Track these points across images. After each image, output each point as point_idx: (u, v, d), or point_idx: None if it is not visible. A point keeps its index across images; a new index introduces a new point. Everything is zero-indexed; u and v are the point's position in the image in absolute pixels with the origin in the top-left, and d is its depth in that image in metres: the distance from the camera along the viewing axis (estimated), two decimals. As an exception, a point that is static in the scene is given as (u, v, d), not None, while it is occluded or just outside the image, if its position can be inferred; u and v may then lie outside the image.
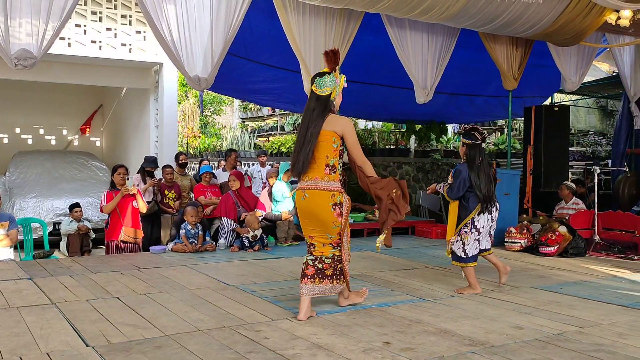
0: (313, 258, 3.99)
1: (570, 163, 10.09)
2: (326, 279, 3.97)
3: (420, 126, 12.05)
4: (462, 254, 4.86)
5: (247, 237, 6.99)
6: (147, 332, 3.58)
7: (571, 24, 7.18)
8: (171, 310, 4.13)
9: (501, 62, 8.27)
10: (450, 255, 5.02)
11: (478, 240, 4.88)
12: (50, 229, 8.95)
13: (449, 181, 4.97)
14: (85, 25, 10.03)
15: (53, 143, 15.39)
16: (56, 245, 8.15)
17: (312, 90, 3.99)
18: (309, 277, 3.94)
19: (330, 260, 3.98)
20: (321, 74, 4.00)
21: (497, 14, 6.79)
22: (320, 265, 3.98)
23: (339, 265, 4.02)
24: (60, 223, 8.51)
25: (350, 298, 4.28)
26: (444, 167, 12.07)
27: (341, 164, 3.98)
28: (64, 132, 15.74)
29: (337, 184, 3.91)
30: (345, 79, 4.05)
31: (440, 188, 5.05)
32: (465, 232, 4.86)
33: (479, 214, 4.83)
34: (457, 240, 4.89)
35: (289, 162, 8.32)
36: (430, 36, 7.88)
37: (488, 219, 4.88)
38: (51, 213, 9.70)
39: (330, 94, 3.95)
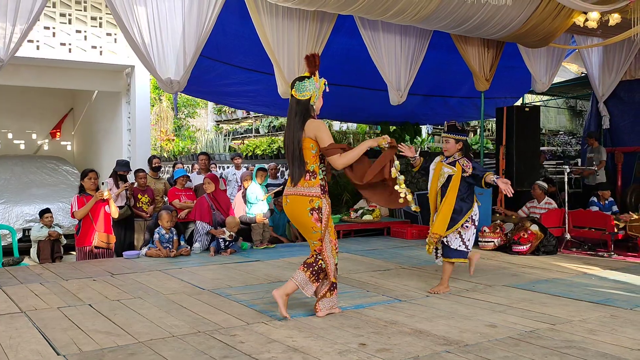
0: (310, 255, 4.08)
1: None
2: (308, 270, 4.00)
3: (394, 127, 12.13)
4: (464, 248, 4.86)
5: (223, 238, 6.93)
6: (120, 339, 3.52)
7: (540, 25, 7.31)
8: (145, 316, 4.07)
9: (473, 63, 8.37)
10: (434, 252, 4.99)
11: (474, 233, 4.93)
12: (19, 235, 8.77)
13: (468, 174, 4.83)
14: (54, 28, 9.85)
15: (22, 148, 15.07)
16: (26, 252, 8.00)
17: (292, 95, 4.01)
18: (305, 265, 4.01)
19: (312, 260, 4.03)
20: (301, 78, 4.02)
21: (469, 16, 6.87)
22: (311, 260, 4.04)
23: (320, 262, 4.01)
24: (30, 229, 8.34)
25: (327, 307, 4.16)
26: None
27: (322, 169, 3.99)
28: (34, 136, 15.42)
29: (316, 189, 3.93)
30: (326, 82, 4.05)
31: (493, 177, 4.82)
32: (467, 226, 4.85)
33: (476, 207, 4.92)
34: (457, 238, 4.85)
35: (263, 165, 8.31)
36: (403, 38, 7.95)
37: (478, 211, 4.99)
38: (21, 219, 9.49)
39: (310, 98, 3.96)
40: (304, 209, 3.92)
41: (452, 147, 4.91)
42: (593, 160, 9.68)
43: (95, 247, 6.49)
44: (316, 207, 3.91)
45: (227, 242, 6.96)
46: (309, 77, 4.00)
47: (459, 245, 4.85)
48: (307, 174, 3.93)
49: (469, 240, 4.88)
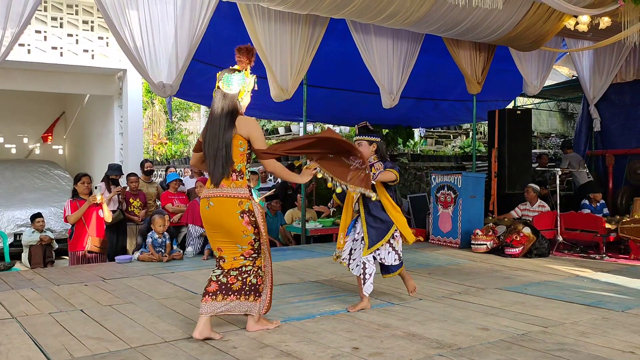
0: (219, 273, 3.64)
1: (532, 165, 10.32)
2: (232, 295, 3.59)
3: (387, 130, 12.16)
4: (399, 260, 4.47)
5: None
6: (112, 345, 3.50)
7: (531, 29, 7.36)
8: (137, 321, 4.05)
9: (465, 67, 8.42)
10: (351, 268, 4.45)
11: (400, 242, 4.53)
12: (11, 240, 8.71)
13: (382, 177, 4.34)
14: (45, 32, 9.82)
15: (13, 152, 14.98)
16: (17, 257, 7.95)
17: (218, 87, 3.66)
18: (210, 294, 3.57)
19: (236, 272, 3.62)
20: (231, 71, 3.70)
21: (460, 19, 6.91)
22: (224, 280, 3.60)
23: (249, 279, 3.63)
24: (22, 234, 8.29)
25: (260, 322, 3.80)
26: (411, 171, 12.18)
27: (249, 169, 3.72)
28: (25, 140, 15.33)
29: (244, 190, 3.61)
30: (255, 80, 3.77)
31: (375, 175, 4.32)
32: (397, 236, 4.44)
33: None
34: (390, 252, 4.41)
35: (253, 169, 8.28)
36: (395, 41, 7.98)
37: None
38: (12, 224, 9.44)
39: (239, 93, 3.66)
40: (234, 211, 3.54)
41: (366, 150, 4.43)
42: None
43: (89, 252, 6.46)
44: (246, 210, 3.57)
45: None
46: (239, 71, 3.69)
47: (395, 260, 4.44)
48: (234, 173, 3.60)
49: (401, 250, 4.48)
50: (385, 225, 4.39)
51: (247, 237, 3.60)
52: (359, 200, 4.44)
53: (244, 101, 3.72)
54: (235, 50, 3.73)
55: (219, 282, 3.61)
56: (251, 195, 3.64)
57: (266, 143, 3.75)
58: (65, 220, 6.59)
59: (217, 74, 3.72)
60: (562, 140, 10.96)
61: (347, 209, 4.56)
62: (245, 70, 3.70)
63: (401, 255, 4.49)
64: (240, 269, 3.62)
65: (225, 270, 3.63)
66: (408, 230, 4.50)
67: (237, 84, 3.65)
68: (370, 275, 4.37)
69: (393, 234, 4.41)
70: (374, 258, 4.43)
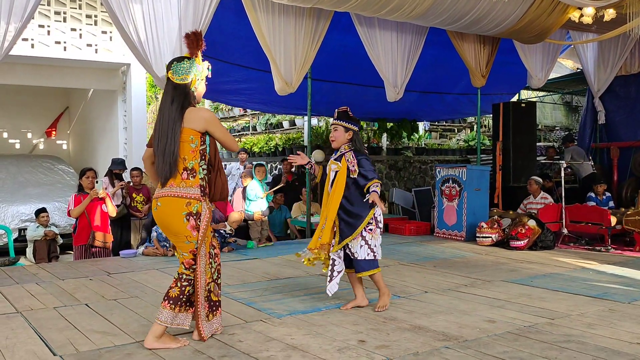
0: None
1: (537, 158, 10.29)
2: (166, 301, 3.30)
3: (391, 124, 12.13)
4: (373, 257, 4.09)
5: (224, 231, 6.92)
6: (117, 339, 3.50)
7: (536, 21, 7.31)
8: (142, 315, 4.05)
9: (469, 60, 8.38)
10: (329, 270, 4.13)
11: (380, 235, 4.19)
12: (15, 235, 8.72)
13: (354, 174, 4.04)
14: (48, 26, 9.79)
15: (17, 147, 14.99)
16: (22, 252, 7.95)
17: (168, 78, 3.38)
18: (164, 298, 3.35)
19: (177, 277, 3.37)
20: (179, 59, 3.39)
21: (464, 12, 6.87)
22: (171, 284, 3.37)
23: (187, 289, 3.33)
24: (26, 229, 8.30)
25: (162, 339, 3.32)
26: (415, 164, 12.17)
27: (203, 167, 3.37)
28: (29, 135, 15.34)
29: (195, 190, 3.29)
30: (209, 67, 3.48)
31: (374, 188, 3.97)
32: (371, 229, 4.08)
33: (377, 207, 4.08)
34: (362, 245, 4.04)
35: (261, 162, 8.27)
36: (399, 35, 7.94)
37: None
38: (16, 219, 9.44)
39: (190, 82, 3.36)
40: (179, 213, 3.25)
41: (340, 136, 4.12)
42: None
43: (92, 246, 6.47)
44: (194, 212, 3.27)
45: (226, 237, 6.94)
46: (189, 59, 3.38)
47: (367, 254, 4.06)
48: (185, 172, 3.29)
49: (375, 246, 4.10)
50: (359, 219, 4.06)
51: (190, 243, 3.31)
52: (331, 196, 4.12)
53: (198, 90, 3.44)
54: (184, 37, 3.46)
55: (169, 297, 3.34)
56: (203, 196, 3.33)
57: (228, 133, 3.48)
58: (69, 214, 6.61)
59: (166, 64, 3.47)
60: (565, 133, 10.88)
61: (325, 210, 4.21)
62: (196, 57, 3.40)
63: (377, 254, 4.11)
64: (180, 277, 3.35)
65: (175, 283, 3.37)
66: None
67: (187, 72, 3.35)
68: (338, 272, 4.10)
69: (365, 227, 4.05)
70: (349, 255, 4.13)
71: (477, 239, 7.33)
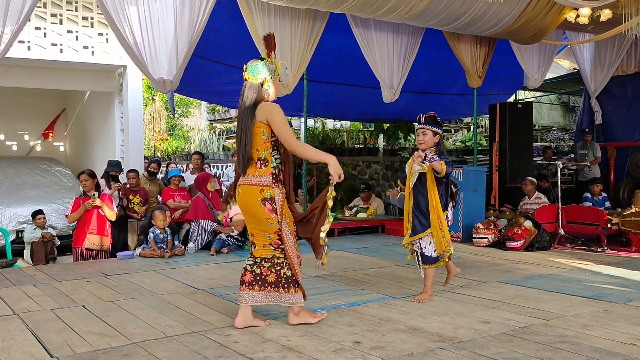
0: (252, 262, 3.74)
1: (534, 158, 10.31)
2: (269, 286, 3.68)
3: (388, 125, 12.15)
4: (436, 254, 4.50)
5: (231, 236, 6.96)
6: (114, 341, 3.51)
7: (532, 22, 7.34)
8: (139, 317, 4.06)
9: (465, 60, 8.40)
10: (415, 258, 4.58)
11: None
12: (13, 237, 8.71)
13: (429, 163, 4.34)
14: (45, 28, 9.78)
15: (14, 149, 14.97)
16: (19, 254, 7.95)
17: (245, 79, 3.73)
18: (247, 284, 3.70)
19: (269, 264, 3.70)
20: (254, 61, 3.74)
21: (461, 12, 6.89)
22: (258, 270, 3.70)
23: (283, 271, 3.69)
24: (23, 231, 8.30)
25: (300, 315, 3.79)
26: (412, 165, 12.17)
27: (275, 157, 3.70)
28: (26, 137, 15.32)
29: (267, 178, 3.65)
30: (285, 65, 3.85)
31: (431, 160, 4.33)
32: (442, 229, 4.44)
33: (449, 209, 4.54)
34: (431, 242, 4.46)
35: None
36: (395, 36, 7.96)
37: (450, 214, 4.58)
38: (14, 221, 9.43)
39: (263, 82, 3.69)
40: (255, 199, 3.63)
41: (429, 140, 4.45)
42: (586, 156, 9.73)
43: (87, 249, 6.50)
44: (268, 197, 3.62)
45: (233, 241, 6.97)
46: (262, 59, 3.73)
47: (434, 251, 4.47)
48: (258, 161, 3.65)
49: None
50: (427, 223, 4.45)
51: (272, 225, 3.64)
52: (411, 192, 4.52)
53: (271, 89, 3.75)
54: (262, 40, 3.84)
55: (254, 273, 3.71)
56: (275, 183, 3.66)
57: (288, 127, 3.68)
58: (67, 217, 6.63)
59: (244, 66, 3.77)
60: (580, 129, 10.63)
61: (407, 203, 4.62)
62: (269, 57, 3.73)
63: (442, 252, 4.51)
64: (272, 260, 3.70)
65: (257, 259, 3.72)
66: (440, 238, 4.41)
67: (261, 72, 3.68)
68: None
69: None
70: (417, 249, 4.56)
71: (473, 239, 7.35)
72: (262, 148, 3.66)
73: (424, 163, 4.36)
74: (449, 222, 4.54)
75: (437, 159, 4.34)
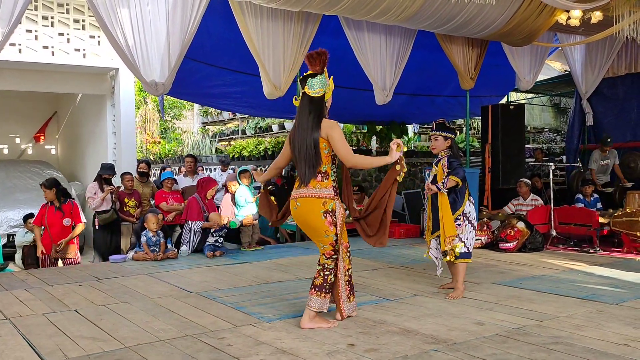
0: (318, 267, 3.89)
1: (526, 160, 10.34)
2: (312, 289, 3.81)
3: (381, 127, 12.16)
4: (466, 250, 4.71)
5: (217, 231, 6.92)
6: (107, 345, 3.49)
7: (524, 24, 7.36)
8: (131, 320, 4.04)
9: (458, 62, 8.41)
10: (452, 259, 4.71)
11: (472, 231, 4.79)
12: (4, 241, 8.65)
13: (443, 174, 4.70)
14: (36, 31, 9.72)
15: (6, 152, 14.87)
16: (11, 258, 7.89)
17: (304, 93, 3.83)
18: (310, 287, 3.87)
19: (320, 268, 3.84)
20: (312, 75, 3.84)
21: (453, 15, 6.90)
22: (314, 274, 3.87)
23: (330, 277, 3.82)
24: (15, 235, 8.24)
25: (315, 321, 3.86)
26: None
27: (334, 170, 3.85)
28: (17, 140, 15.22)
29: (329, 190, 3.76)
30: (332, 80, 3.93)
31: (444, 183, 4.66)
32: (459, 225, 4.68)
33: (467, 205, 4.76)
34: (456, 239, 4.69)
35: (245, 167, 8.27)
36: (388, 38, 7.96)
37: (474, 209, 4.86)
38: (5, 225, 9.38)
39: (324, 95, 3.82)
40: (317, 211, 3.72)
41: (440, 145, 4.83)
42: (607, 167, 9.58)
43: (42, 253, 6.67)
44: (330, 210, 3.72)
45: (219, 235, 6.94)
46: (319, 74, 3.82)
47: (463, 247, 4.69)
48: (319, 174, 3.75)
49: (467, 239, 4.71)
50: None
51: (329, 237, 3.75)
52: (430, 195, 4.86)
53: (329, 102, 3.88)
54: (306, 58, 3.90)
55: (315, 286, 3.84)
56: (336, 195, 3.79)
57: (347, 144, 3.82)
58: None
59: (298, 79, 3.80)
60: (603, 135, 9.90)
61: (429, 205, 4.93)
62: (325, 72, 3.85)
63: (468, 246, 4.72)
64: (323, 266, 3.82)
65: (318, 273, 3.85)
66: (443, 238, 4.69)
67: (320, 86, 3.80)
68: (435, 258, 4.91)
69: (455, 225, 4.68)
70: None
71: (466, 241, 7.35)
72: (324, 161, 3.77)
73: (441, 190, 4.68)
74: (473, 221, 4.79)
75: (446, 179, 4.64)
